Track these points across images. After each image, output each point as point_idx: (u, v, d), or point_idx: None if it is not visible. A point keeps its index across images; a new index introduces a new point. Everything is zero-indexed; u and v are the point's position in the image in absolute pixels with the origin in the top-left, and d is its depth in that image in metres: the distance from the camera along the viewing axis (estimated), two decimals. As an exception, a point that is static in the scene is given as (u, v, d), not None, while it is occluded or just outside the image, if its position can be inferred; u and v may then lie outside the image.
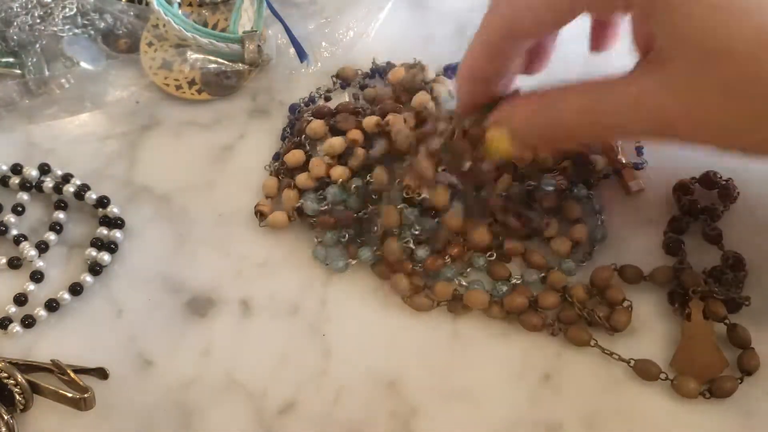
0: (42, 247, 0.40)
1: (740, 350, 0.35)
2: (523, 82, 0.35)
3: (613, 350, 0.36)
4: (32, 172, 0.42)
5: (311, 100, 0.45)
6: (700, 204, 0.39)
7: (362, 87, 0.45)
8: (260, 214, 0.40)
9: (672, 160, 0.40)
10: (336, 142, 0.40)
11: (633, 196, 0.40)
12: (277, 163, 0.42)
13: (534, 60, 0.36)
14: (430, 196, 0.37)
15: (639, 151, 0.40)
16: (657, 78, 0.28)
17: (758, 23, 0.26)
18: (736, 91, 0.27)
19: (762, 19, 0.26)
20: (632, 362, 0.36)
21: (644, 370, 0.35)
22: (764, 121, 0.27)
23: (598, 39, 0.37)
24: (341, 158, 0.41)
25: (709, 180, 0.39)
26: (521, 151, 0.34)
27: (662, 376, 0.35)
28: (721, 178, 0.39)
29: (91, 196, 0.41)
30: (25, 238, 0.41)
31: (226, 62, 0.46)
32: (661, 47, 0.29)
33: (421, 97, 0.41)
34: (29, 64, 0.46)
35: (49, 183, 0.42)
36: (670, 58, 0.28)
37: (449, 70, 0.45)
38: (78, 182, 0.42)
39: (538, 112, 0.32)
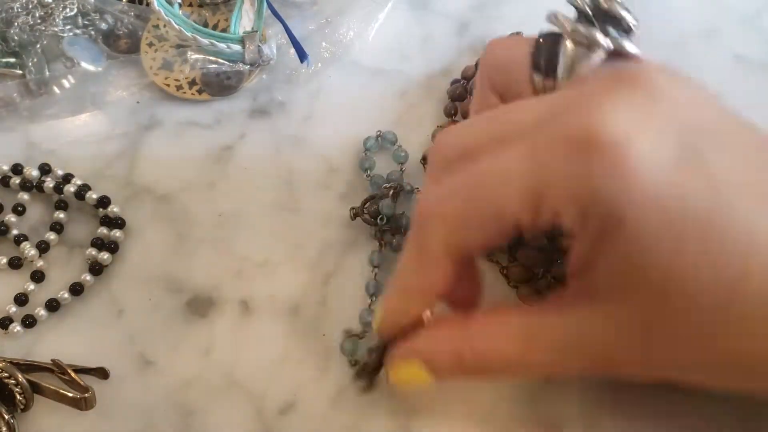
0: (42, 247, 0.40)
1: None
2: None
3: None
4: (33, 172, 0.42)
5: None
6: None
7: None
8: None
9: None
10: None
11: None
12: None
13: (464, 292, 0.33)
14: None
15: None
16: (601, 314, 0.26)
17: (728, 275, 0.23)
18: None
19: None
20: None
21: None
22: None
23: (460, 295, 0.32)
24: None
25: None
26: (442, 380, 0.30)
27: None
28: None
29: (92, 196, 0.41)
30: (26, 238, 0.41)
31: (226, 63, 0.46)
32: (605, 280, 0.26)
33: None
34: (30, 64, 0.46)
35: (49, 183, 0.42)
36: (617, 295, 0.25)
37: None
38: (79, 182, 0.42)
39: (463, 348, 0.29)
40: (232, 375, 0.37)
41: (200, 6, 0.48)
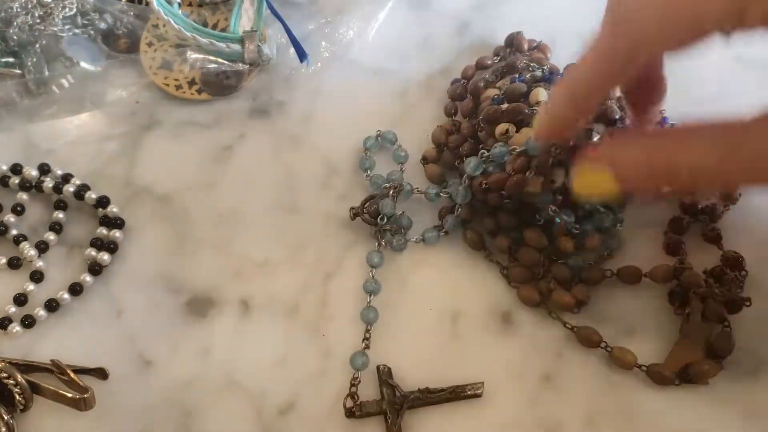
0: (42, 247, 0.40)
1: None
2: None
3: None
4: (32, 172, 0.42)
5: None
6: (701, 204, 0.39)
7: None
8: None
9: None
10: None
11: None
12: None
13: (647, 93, 0.33)
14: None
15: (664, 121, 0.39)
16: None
17: None
18: None
19: None
20: (575, 329, 0.36)
21: (585, 338, 0.36)
22: None
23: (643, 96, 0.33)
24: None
25: None
26: (627, 191, 0.30)
27: (643, 368, 0.35)
28: None
29: (91, 196, 0.41)
30: (25, 238, 0.41)
31: (226, 62, 0.46)
32: None
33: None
34: (29, 64, 0.46)
35: (49, 183, 0.42)
36: None
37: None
38: (78, 182, 0.42)
39: (654, 155, 0.28)
40: (232, 375, 0.37)
41: (200, 5, 0.48)
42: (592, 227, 0.38)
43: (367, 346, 0.37)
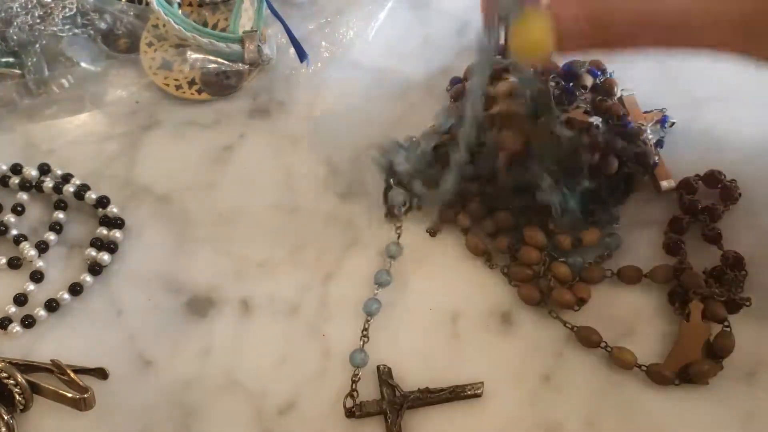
0: (42, 247, 0.40)
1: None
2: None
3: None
4: (32, 172, 0.42)
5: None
6: (701, 204, 0.39)
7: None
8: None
9: (673, 161, 0.40)
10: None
11: (661, 194, 0.39)
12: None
13: None
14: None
15: (659, 144, 0.40)
16: None
17: None
18: None
19: None
20: (575, 329, 0.36)
21: (585, 337, 0.36)
22: None
23: None
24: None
25: (714, 178, 0.39)
26: (561, 47, 0.29)
27: (643, 368, 0.35)
28: (725, 177, 0.39)
29: (91, 196, 0.41)
30: (25, 238, 0.41)
31: (226, 62, 0.45)
32: None
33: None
34: (29, 64, 0.46)
35: (49, 183, 0.42)
36: None
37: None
38: (78, 182, 0.42)
39: (593, 3, 0.29)
40: (232, 375, 0.37)
41: (200, 5, 0.48)
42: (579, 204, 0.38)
43: (366, 339, 0.37)
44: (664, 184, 0.39)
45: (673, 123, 0.41)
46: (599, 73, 0.41)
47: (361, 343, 0.37)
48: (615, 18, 0.28)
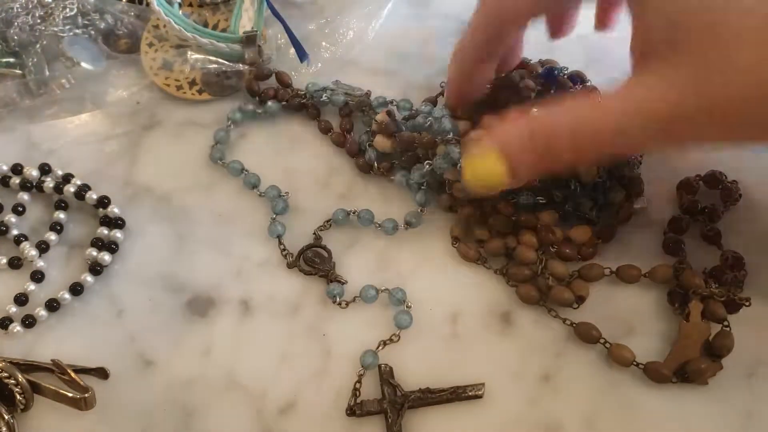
0: (42, 247, 0.40)
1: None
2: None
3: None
4: (33, 172, 0.42)
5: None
6: (701, 204, 0.39)
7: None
8: None
9: (673, 161, 0.40)
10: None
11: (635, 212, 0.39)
12: None
13: (510, 54, 0.40)
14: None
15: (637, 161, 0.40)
16: (660, 75, 0.27)
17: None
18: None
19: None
20: (575, 325, 0.36)
21: (585, 333, 0.36)
22: None
23: (602, 18, 0.39)
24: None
25: (714, 179, 0.39)
26: (516, 175, 0.31)
27: (640, 366, 0.35)
28: (726, 178, 0.39)
29: (92, 196, 0.41)
30: (26, 238, 0.41)
31: (226, 62, 0.46)
32: (660, 39, 0.28)
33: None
34: (30, 64, 0.46)
35: (49, 183, 0.42)
36: (673, 49, 0.27)
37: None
38: (78, 182, 0.42)
39: (535, 124, 0.30)
40: (232, 375, 0.37)
41: (200, 6, 0.48)
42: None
43: (382, 345, 0.37)
44: (637, 202, 0.39)
45: None
46: (579, 81, 0.42)
47: (380, 346, 0.37)
48: (558, 142, 0.30)
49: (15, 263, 0.40)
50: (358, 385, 0.36)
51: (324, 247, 0.40)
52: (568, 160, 0.31)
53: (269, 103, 0.44)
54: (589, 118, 0.29)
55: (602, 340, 0.36)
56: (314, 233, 0.40)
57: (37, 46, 0.47)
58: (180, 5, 0.47)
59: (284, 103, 0.44)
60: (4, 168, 0.43)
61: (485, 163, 0.31)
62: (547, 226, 0.38)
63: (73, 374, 0.35)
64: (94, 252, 0.40)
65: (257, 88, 0.45)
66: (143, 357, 0.38)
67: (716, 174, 0.39)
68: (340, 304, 0.38)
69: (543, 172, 0.32)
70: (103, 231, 0.41)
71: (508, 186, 0.31)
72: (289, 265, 0.39)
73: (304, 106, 0.44)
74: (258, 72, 0.45)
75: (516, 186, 0.33)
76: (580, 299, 0.37)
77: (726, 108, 0.27)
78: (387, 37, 0.47)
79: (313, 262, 0.39)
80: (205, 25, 0.48)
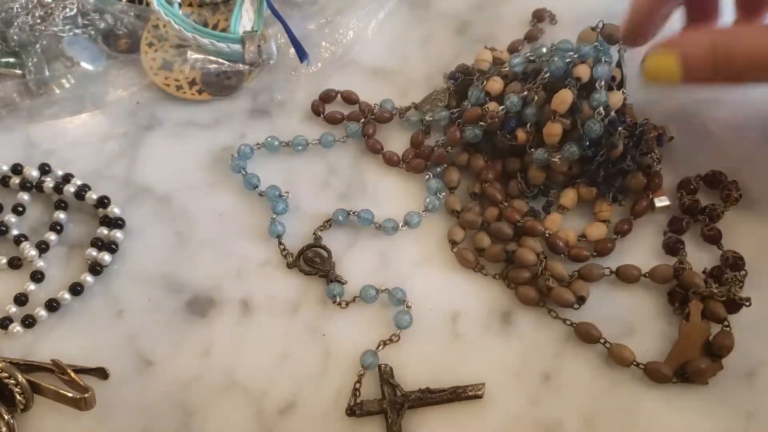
0: (42, 247, 0.40)
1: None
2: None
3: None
4: (33, 172, 0.42)
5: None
6: (701, 204, 0.39)
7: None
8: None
9: (672, 161, 0.40)
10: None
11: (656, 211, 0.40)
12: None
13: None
14: None
15: (659, 140, 0.40)
16: None
17: None
18: None
19: None
20: (575, 325, 0.36)
21: (585, 332, 0.36)
22: None
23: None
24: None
25: (715, 179, 0.39)
26: (688, 78, 0.34)
27: (641, 366, 0.35)
28: (726, 178, 0.39)
29: (92, 196, 0.41)
30: (26, 238, 0.41)
31: (226, 62, 0.46)
32: None
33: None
34: (30, 64, 0.46)
35: (49, 183, 0.42)
36: None
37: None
38: (78, 182, 0.42)
39: (718, 39, 0.33)
40: (232, 375, 0.37)
41: (200, 6, 0.48)
42: None
43: (382, 346, 0.37)
44: (657, 201, 0.39)
45: (672, 138, 0.41)
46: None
47: (380, 346, 0.37)
48: (736, 57, 0.33)
49: (15, 263, 0.40)
50: (358, 385, 0.36)
51: (324, 247, 0.40)
52: (740, 79, 0.34)
53: (350, 125, 0.43)
54: (762, 47, 0.32)
55: (602, 340, 0.36)
56: (314, 233, 0.40)
57: (37, 46, 0.47)
58: (180, 5, 0.47)
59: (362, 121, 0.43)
60: (4, 168, 0.43)
61: (666, 61, 0.34)
62: (555, 235, 0.38)
63: (73, 374, 0.35)
64: (94, 252, 0.40)
65: (322, 110, 0.44)
66: (143, 357, 0.38)
67: (716, 174, 0.39)
68: (340, 303, 0.38)
69: (715, 82, 0.35)
70: (103, 231, 0.41)
71: (682, 84, 0.35)
72: (289, 265, 0.39)
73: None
74: (324, 94, 0.45)
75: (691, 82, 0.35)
76: (581, 300, 0.37)
77: None
78: (387, 37, 0.47)
79: (313, 262, 0.39)
80: (205, 25, 0.48)
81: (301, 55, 0.45)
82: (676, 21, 0.40)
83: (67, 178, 0.42)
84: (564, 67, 0.38)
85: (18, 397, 0.35)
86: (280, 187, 0.42)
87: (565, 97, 0.37)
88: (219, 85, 0.46)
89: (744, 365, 0.35)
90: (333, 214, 0.41)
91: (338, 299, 0.38)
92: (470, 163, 0.41)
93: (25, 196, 0.42)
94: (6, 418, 0.35)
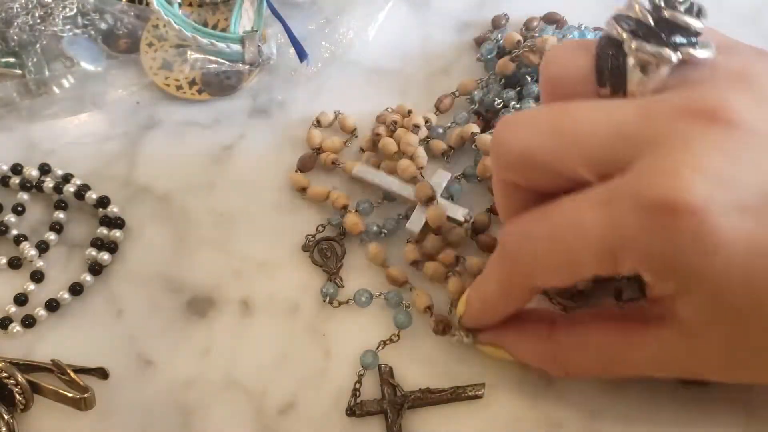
0: (42, 247, 0.40)
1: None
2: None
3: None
4: (32, 172, 0.42)
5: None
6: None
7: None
8: None
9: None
10: None
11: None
12: None
13: None
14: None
15: None
16: (684, 342, 0.28)
17: None
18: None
19: None
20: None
21: None
22: None
23: None
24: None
25: None
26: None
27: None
28: None
29: (92, 196, 0.41)
30: (26, 238, 0.41)
31: (226, 62, 0.46)
32: (687, 317, 0.27)
33: None
34: (29, 64, 0.46)
35: (49, 183, 0.42)
36: (699, 329, 0.27)
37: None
38: (78, 182, 0.42)
39: (558, 354, 0.33)
40: (232, 375, 0.37)
41: (200, 6, 0.48)
42: None
43: (383, 345, 0.37)
44: None
45: None
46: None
47: (380, 346, 0.37)
48: (581, 372, 0.34)
49: (15, 263, 0.40)
50: (357, 385, 0.36)
51: (342, 244, 0.40)
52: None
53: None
54: (600, 368, 0.32)
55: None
56: (340, 227, 0.40)
57: (37, 46, 0.47)
58: (180, 5, 0.47)
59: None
60: (4, 168, 0.43)
61: (498, 353, 0.35)
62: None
63: (72, 374, 0.35)
64: (93, 252, 0.40)
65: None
66: (143, 357, 0.38)
67: None
68: (332, 303, 0.38)
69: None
70: (103, 231, 0.41)
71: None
72: (304, 248, 0.39)
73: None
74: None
75: None
76: (581, 295, 0.37)
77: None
78: (387, 37, 0.47)
79: (325, 255, 0.39)
80: (205, 24, 0.48)
81: (301, 55, 0.45)
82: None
83: (67, 178, 0.42)
84: None
85: (18, 397, 0.35)
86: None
87: None
88: (219, 85, 0.46)
89: (744, 365, 0.35)
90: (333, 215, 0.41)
91: (329, 299, 0.38)
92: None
93: (25, 196, 0.42)
94: (6, 418, 0.35)
